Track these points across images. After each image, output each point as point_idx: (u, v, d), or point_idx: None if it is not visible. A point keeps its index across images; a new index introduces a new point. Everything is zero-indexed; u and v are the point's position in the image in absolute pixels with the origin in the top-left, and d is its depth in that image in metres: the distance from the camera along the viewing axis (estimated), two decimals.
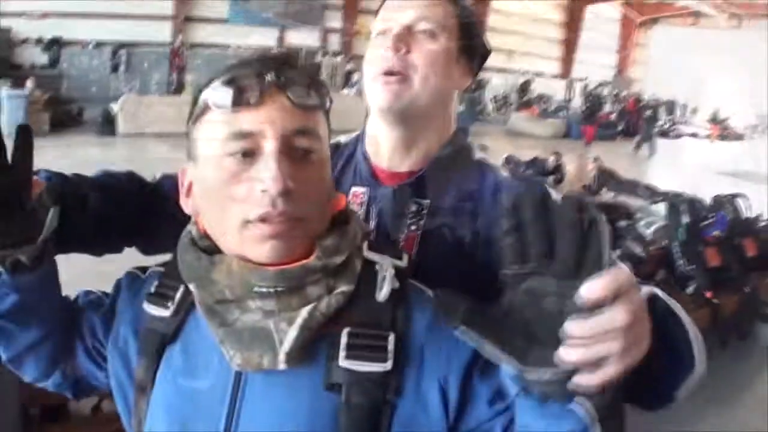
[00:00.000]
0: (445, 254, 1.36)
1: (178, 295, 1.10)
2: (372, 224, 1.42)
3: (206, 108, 1.02)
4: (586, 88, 26.71)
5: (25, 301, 1.14)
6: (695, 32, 37.27)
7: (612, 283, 0.75)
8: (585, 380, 0.79)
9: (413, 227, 1.40)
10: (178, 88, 19.25)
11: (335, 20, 24.25)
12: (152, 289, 1.14)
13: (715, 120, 34.07)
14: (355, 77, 22.79)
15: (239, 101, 0.98)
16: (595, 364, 0.78)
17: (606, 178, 12.44)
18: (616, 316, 0.75)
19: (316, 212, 1.03)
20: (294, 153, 1.00)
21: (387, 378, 0.99)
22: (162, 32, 19.57)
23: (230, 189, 0.99)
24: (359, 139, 1.55)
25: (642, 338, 0.81)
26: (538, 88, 30.37)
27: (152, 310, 1.12)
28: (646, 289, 0.99)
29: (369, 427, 0.99)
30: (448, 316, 0.82)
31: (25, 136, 1.08)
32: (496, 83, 27.54)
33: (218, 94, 0.99)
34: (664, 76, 36.51)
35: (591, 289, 0.75)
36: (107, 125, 15.51)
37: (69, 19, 17.92)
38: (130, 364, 1.15)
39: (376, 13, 1.50)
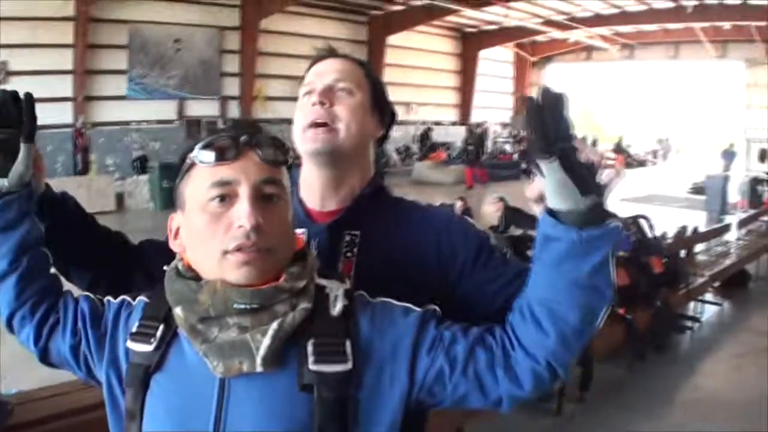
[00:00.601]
0: (379, 275, 1.58)
1: (159, 332, 1.40)
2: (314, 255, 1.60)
3: (192, 166, 1.38)
4: (472, 132, 28.08)
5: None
6: (589, 66, 39.40)
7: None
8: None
9: (348, 254, 1.71)
10: (84, 169, 19.85)
11: (233, 87, 25.24)
12: (134, 329, 1.43)
13: (619, 149, 36.41)
14: None
15: (220, 158, 1.33)
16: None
17: (513, 215, 12.18)
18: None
19: (281, 246, 1.35)
20: (263, 198, 1.34)
21: (349, 375, 1.32)
22: (64, 114, 19.77)
23: (212, 226, 1.33)
24: (293, 191, 1.73)
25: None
26: (439, 136, 32.16)
27: (136, 347, 1.41)
28: None
29: (339, 417, 1.30)
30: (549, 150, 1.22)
31: (29, 99, 1.53)
32: (396, 136, 28.79)
33: (203, 154, 1.34)
34: None
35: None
36: None
37: None
38: (121, 380, 1.46)
39: (300, 81, 1.83)
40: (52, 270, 1.63)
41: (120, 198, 18.22)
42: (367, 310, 1.42)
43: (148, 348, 1.41)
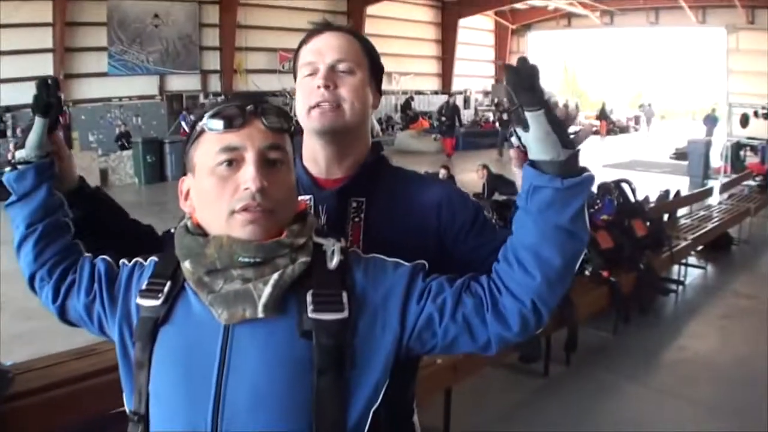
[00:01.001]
0: (385, 238, 1.72)
1: (166, 288, 1.50)
2: (323, 219, 1.79)
3: (201, 133, 1.47)
4: (448, 103, 28.21)
5: (20, 189, 1.68)
6: (570, 33, 38.96)
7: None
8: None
9: (356, 219, 1.80)
10: (67, 146, 19.42)
11: (213, 61, 25.21)
12: (143, 286, 1.53)
13: (603, 116, 36.43)
14: None
15: (228, 125, 1.43)
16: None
17: (496, 181, 13.04)
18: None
19: (283, 207, 1.45)
20: (267, 163, 1.44)
21: (345, 323, 1.41)
22: None
23: (221, 188, 1.42)
24: (296, 158, 1.76)
25: None
26: (421, 105, 32.27)
27: (145, 302, 1.50)
28: None
29: (336, 361, 1.39)
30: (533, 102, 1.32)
31: (55, 82, 1.70)
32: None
33: (212, 122, 1.43)
34: (542, 80, 38.51)
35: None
36: (3, 189, 16.34)
37: None
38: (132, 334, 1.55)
39: (295, 56, 1.89)
40: (72, 237, 1.75)
41: (104, 174, 18.09)
42: (361, 264, 1.51)
43: (155, 302, 1.50)
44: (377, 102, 1.93)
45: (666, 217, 9.98)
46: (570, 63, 50.99)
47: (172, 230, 1.60)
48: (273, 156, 1.47)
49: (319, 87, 1.77)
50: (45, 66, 19.84)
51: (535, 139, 1.34)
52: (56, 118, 1.73)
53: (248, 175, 1.42)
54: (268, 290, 1.40)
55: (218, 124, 1.45)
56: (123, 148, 19.51)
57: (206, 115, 1.47)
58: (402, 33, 31.95)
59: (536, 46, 38.79)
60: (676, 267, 8.96)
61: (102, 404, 3.51)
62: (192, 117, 1.58)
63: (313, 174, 1.88)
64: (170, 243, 1.56)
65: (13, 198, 1.70)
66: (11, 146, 1.74)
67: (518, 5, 35.19)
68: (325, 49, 1.81)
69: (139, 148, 18.61)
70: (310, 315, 1.41)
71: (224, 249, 1.41)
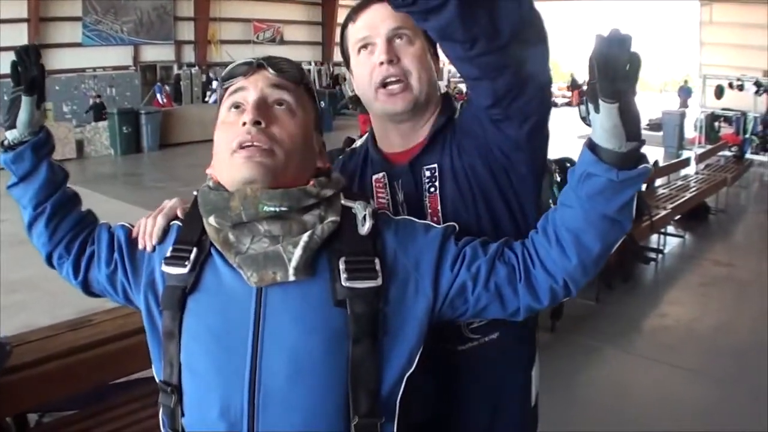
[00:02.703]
0: (459, 205, 1.71)
1: (193, 255, 1.46)
2: (401, 195, 1.79)
3: (222, 95, 1.52)
4: (440, 73, 27.98)
5: (17, 167, 1.62)
6: (543, 6, 39.71)
7: None
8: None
9: (432, 189, 1.75)
10: None
11: (187, 32, 25.21)
12: (168, 254, 1.50)
13: (574, 86, 36.39)
14: (214, 85, 23.59)
15: (236, 74, 1.48)
16: None
17: None
18: None
19: (288, 151, 1.42)
20: (269, 103, 1.44)
21: (379, 291, 1.40)
22: None
23: (225, 134, 1.43)
24: (368, 140, 1.88)
25: None
26: None
27: (171, 270, 1.47)
28: None
29: (371, 329, 1.39)
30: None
31: (36, 51, 1.59)
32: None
33: (225, 75, 1.51)
34: None
35: None
36: None
37: None
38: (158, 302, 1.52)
39: (342, 38, 1.85)
40: (83, 207, 1.72)
41: (80, 145, 17.94)
42: (391, 227, 1.50)
43: (182, 270, 1.47)
44: (440, 65, 1.86)
45: (644, 186, 9.75)
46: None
47: (195, 192, 1.57)
48: (276, 97, 1.47)
49: (382, 63, 1.71)
50: (20, 35, 19.69)
51: (601, 126, 1.28)
52: (43, 90, 1.65)
53: (247, 111, 1.43)
54: (298, 252, 1.39)
55: (227, 74, 1.51)
56: (97, 119, 19.27)
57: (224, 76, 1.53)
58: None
59: None
60: (655, 236, 9.04)
61: (98, 376, 3.51)
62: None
63: (385, 151, 1.86)
64: (193, 206, 1.55)
65: (14, 179, 1.65)
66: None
67: None
68: (377, 22, 1.74)
69: (114, 119, 18.42)
70: (344, 284, 1.40)
71: (249, 200, 1.39)
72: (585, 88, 1.26)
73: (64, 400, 3.60)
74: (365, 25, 1.76)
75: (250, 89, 1.46)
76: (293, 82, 1.51)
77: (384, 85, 1.72)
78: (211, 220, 1.44)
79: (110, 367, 3.51)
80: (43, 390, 3.30)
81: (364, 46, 1.76)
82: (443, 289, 1.47)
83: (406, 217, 1.55)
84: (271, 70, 1.49)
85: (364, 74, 1.75)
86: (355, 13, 1.80)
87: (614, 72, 1.21)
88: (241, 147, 1.40)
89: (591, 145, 1.33)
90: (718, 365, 5.67)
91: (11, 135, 1.62)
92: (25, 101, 1.58)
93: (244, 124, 1.40)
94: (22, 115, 1.59)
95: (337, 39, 1.92)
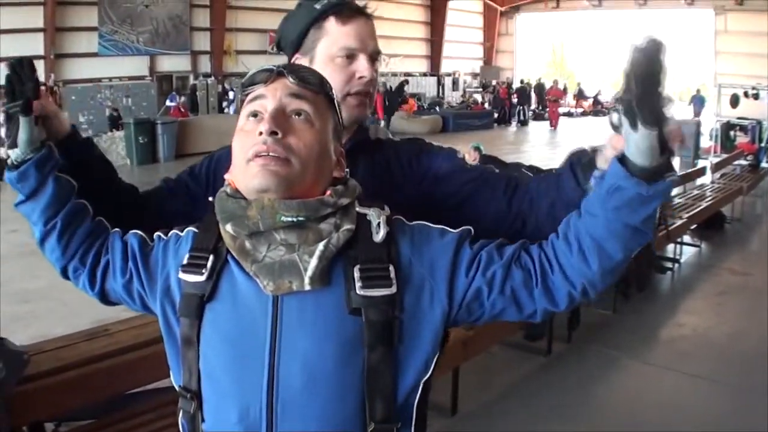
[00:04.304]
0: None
1: (209, 262, 1.46)
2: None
3: (242, 101, 1.50)
4: (456, 83, 28.08)
5: (26, 181, 1.55)
6: (558, 15, 39.19)
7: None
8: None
9: None
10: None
11: (204, 42, 25.25)
12: (185, 261, 1.49)
13: (580, 96, 36.79)
14: (231, 95, 23.99)
15: (256, 81, 1.47)
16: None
17: (488, 163, 13.30)
18: None
19: (304, 162, 1.40)
20: (287, 113, 1.43)
21: (393, 299, 1.39)
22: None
23: (242, 141, 1.42)
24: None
25: None
26: (410, 87, 31.51)
27: (188, 278, 1.46)
28: None
29: (386, 338, 1.38)
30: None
31: (30, 65, 1.55)
32: None
33: (246, 81, 1.50)
34: (530, 61, 38.58)
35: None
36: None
37: None
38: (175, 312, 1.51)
39: (312, 24, 1.83)
40: (94, 216, 1.67)
41: None
42: (406, 234, 1.47)
43: (200, 278, 1.46)
44: None
45: None
46: (558, 45, 51.22)
47: (211, 198, 1.54)
48: (294, 106, 1.45)
49: (362, 78, 1.79)
50: (36, 45, 19.88)
51: (636, 145, 1.23)
52: (39, 105, 1.56)
53: (264, 120, 1.41)
54: (314, 262, 1.37)
55: (249, 80, 1.49)
56: (112, 128, 19.40)
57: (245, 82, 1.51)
58: (391, 15, 31.93)
59: (525, 28, 39.30)
60: (671, 246, 8.98)
61: (114, 386, 3.52)
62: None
63: None
64: (210, 213, 1.52)
65: (21, 198, 1.60)
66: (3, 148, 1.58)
67: None
68: (364, 37, 1.81)
69: (131, 129, 18.51)
70: (359, 292, 1.38)
71: (266, 209, 1.37)
72: (620, 97, 1.20)
73: (80, 409, 3.59)
74: (356, 36, 1.81)
75: (269, 98, 1.44)
76: (313, 91, 1.49)
77: (359, 94, 1.80)
78: (228, 227, 1.42)
79: (126, 377, 3.51)
80: (59, 399, 3.31)
81: (349, 56, 1.80)
82: (458, 295, 1.45)
83: (421, 222, 1.51)
84: (291, 78, 1.47)
85: (337, 80, 1.76)
86: (345, 16, 1.83)
87: (652, 90, 1.17)
88: (257, 156, 1.38)
89: (621, 158, 1.28)
90: (735, 374, 5.64)
91: (14, 154, 1.57)
92: (23, 121, 1.53)
93: (261, 133, 1.38)
94: (22, 135, 1.54)
95: None
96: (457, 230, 1.50)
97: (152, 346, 3.44)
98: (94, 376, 3.38)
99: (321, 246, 1.38)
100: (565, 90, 36.67)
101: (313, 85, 1.49)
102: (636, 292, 7.51)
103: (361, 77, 1.78)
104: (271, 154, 1.37)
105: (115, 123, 20.05)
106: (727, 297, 7.84)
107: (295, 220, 1.37)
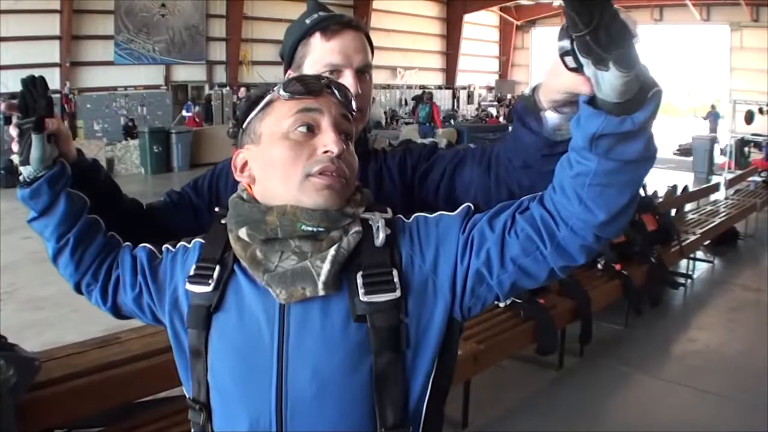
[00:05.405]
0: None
1: (216, 273, 1.46)
2: None
3: (272, 101, 1.47)
4: (471, 97, 28.22)
5: (40, 200, 1.58)
6: None
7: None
8: None
9: None
10: (72, 134, 19.24)
11: (219, 52, 25.35)
12: (191, 272, 1.49)
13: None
14: None
15: (308, 90, 1.45)
16: None
17: None
18: None
19: (352, 179, 1.44)
20: (341, 133, 1.45)
21: (398, 303, 1.37)
22: (51, 80, 17.56)
23: (296, 152, 1.40)
24: None
25: None
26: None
27: (195, 288, 1.47)
28: None
29: (392, 342, 1.37)
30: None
31: (43, 83, 1.58)
32: (382, 100, 29.60)
33: (292, 88, 1.44)
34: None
35: None
36: (10, 176, 15.25)
37: None
38: (183, 324, 1.51)
39: (300, 40, 1.86)
40: (106, 231, 1.69)
41: (110, 163, 18.05)
42: (406, 233, 1.46)
43: (206, 289, 1.47)
44: None
45: (674, 211, 9.90)
46: None
47: (217, 209, 1.57)
48: (344, 127, 1.48)
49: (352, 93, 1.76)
50: (52, 53, 20.03)
51: (611, 86, 1.06)
52: (51, 122, 1.60)
53: (329, 138, 1.42)
54: (326, 267, 1.37)
55: (298, 88, 1.46)
56: (126, 137, 19.53)
57: (279, 85, 1.48)
58: (407, 28, 32.16)
59: (540, 43, 38.81)
60: (684, 261, 8.91)
61: (125, 394, 3.53)
62: (250, 93, 1.51)
63: None
64: (216, 223, 1.55)
65: (33, 214, 1.63)
66: (15, 160, 1.59)
67: (523, 1, 35.39)
68: (350, 52, 1.82)
69: (145, 138, 18.64)
70: (362, 298, 1.38)
71: (287, 216, 1.39)
72: (572, 35, 1.03)
73: (90, 416, 3.58)
74: (340, 51, 1.82)
75: (325, 113, 1.45)
76: (351, 111, 1.53)
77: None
78: (242, 232, 1.44)
79: (137, 385, 3.52)
80: (70, 406, 3.31)
81: (334, 71, 1.80)
82: (459, 284, 1.41)
83: (419, 214, 1.49)
84: (338, 96, 1.50)
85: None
86: (328, 29, 1.83)
87: (610, 13, 1.00)
88: (321, 174, 1.40)
89: (590, 99, 1.13)
90: (746, 390, 5.61)
91: (26, 171, 1.59)
92: (36, 139, 1.55)
93: (326, 152, 1.41)
94: (34, 153, 1.56)
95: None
96: (455, 212, 1.47)
97: (163, 354, 3.43)
98: (105, 383, 3.39)
99: (332, 251, 1.39)
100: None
101: (352, 105, 1.54)
102: (648, 308, 7.48)
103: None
104: (335, 174, 1.40)
105: (129, 132, 20.12)
106: (740, 313, 7.80)
107: (315, 230, 1.38)
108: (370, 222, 1.44)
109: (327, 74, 1.76)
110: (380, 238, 1.41)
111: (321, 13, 1.87)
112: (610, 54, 1.02)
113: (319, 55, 1.82)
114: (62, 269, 1.67)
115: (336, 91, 1.50)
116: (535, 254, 1.34)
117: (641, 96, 1.09)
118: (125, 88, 22.43)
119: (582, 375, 5.94)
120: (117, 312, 1.70)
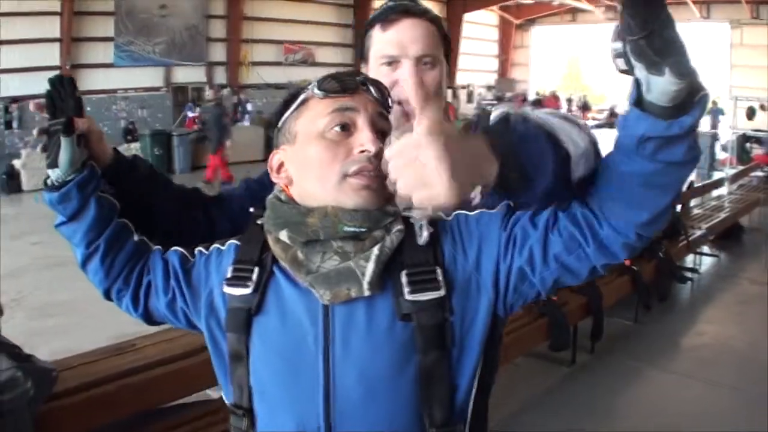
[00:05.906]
0: None
1: (255, 275, 1.43)
2: None
3: (306, 100, 1.46)
4: (471, 96, 28.27)
5: (70, 202, 1.53)
6: (574, 28, 39.23)
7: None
8: None
9: None
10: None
11: (219, 53, 25.10)
12: (229, 274, 1.47)
13: (585, 108, 36.65)
14: (249, 107, 23.93)
15: (343, 88, 1.42)
16: None
17: None
18: None
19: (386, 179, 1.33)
20: (377, 132, 1.41)
21: (443, 301, 1.36)
22: None
23: (332, 152, 1.38)
24: None
25: None
26: None
27: (233, 291, 1.45)
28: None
29: (438, 341, 1.36)
30: None
31: (71, 83, 1.58)
32: None
33: (327, 86, 1.43)
34: (545, 74, 38.37)
35: None
36: (12, 182, 16.19)
37: None
38: (222, 329, 1.49)
39: (365, 33, 1.86)
40: (136, 236, 1.65)
41: None
42: (448, 231, 1.44)
43: (245, 291, 1.44)
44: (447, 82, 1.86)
45: (679, 207, 9.77)
46: (574, 58, 51.32)
47: (251, 209, 1.55)
48: (380, 126, 1.44)
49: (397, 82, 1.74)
50: (52, 56, 19.90)
51: (662, 91, 1.09)
52: (81, 123, 1.54)
53: (365, 138, 1.40)
54: (371, 267, 1.36)
55: (334, 86, 1.43)
56: (127, 140, 19.55)
57: (314, 83, 1.46)
58: None
59: (540, 42, 39.31)
60: (690, 256, 9.05)
61: (142, 402, 3.49)
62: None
63: None
64: (252, 224, 1.53)
65: (62, 219, 1.58)
66: (43, 162, 1.54)
67: (523, 0, 35.35)
68: (408, 42, 1.75)
69: (146, 141, 18.68)
70: (408, 297, 1.36)
71: (329, 218, 1.37)
72: (627, 38, 1.06)
73: (108, 425, 3.51)
74: (396, 41, 1.77)
75: (362, 112, 1.43)
76: (387, 109, 1.51)
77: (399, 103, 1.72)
78: (283, 234, 1.42)
79: (154, 393, 3.50)
80: (87, 416, 3.27)
81: (389, 62, 1.77)
82: (502, 281, 1.40)
83: (459, 212, 1.47)
84: (374, 93, 1.48)
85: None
86: (387, 21, 1.80)
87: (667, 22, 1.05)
88: (359, 173, 1.38)
89: (637, 101, 1.15)
90: (756, 381, 5.66)
91: (54, 174, 1.54)
92: (65, 142, 1.49)
93: (363, 151, 1.39)
94: (63, 156, 1.50)
95: None
96: (495, 210, 1.45)
97: (180, 361, 3.45)
98: (121, 392, 3.36)
99: (376, 250, 1.37)
100: (569, 101, 37.27)
101: (387, 103, 1.51)
102: (657, 303, 7.57)
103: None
104: (373, 173, 1.37)
105: (130, 134, 20.09)
106: (747, 306, 7.92)
107: (357, 230, 1.37)
108: (412, 220, 1.42)
109: (386, 66, 1.76)
110: (424, 236, 1.40)
111: (391, 3, 1.83)
112: (664, 60, 1.05)
113: (378, 47, 1.80)
114: (91, 275, 1.63)
115: (372, 89, 1.48)
116: (578, 252, 1.34)
117: (689, 100, 1.11)
118: (125, 90, 22.29)
119: (594, 371, 5.99)
120: (149, 318, 1.66)
